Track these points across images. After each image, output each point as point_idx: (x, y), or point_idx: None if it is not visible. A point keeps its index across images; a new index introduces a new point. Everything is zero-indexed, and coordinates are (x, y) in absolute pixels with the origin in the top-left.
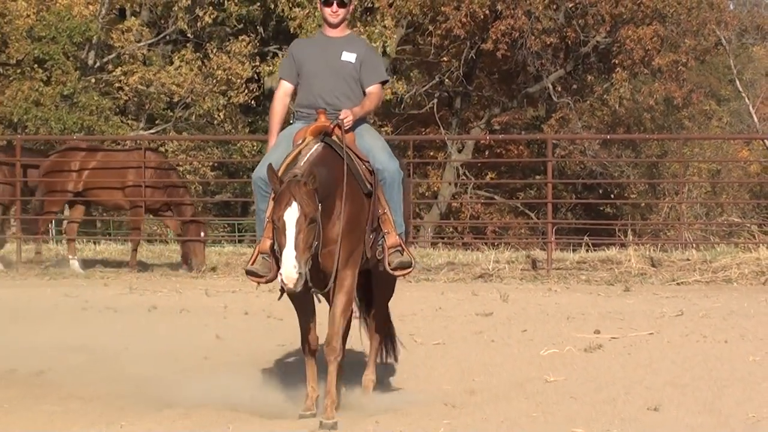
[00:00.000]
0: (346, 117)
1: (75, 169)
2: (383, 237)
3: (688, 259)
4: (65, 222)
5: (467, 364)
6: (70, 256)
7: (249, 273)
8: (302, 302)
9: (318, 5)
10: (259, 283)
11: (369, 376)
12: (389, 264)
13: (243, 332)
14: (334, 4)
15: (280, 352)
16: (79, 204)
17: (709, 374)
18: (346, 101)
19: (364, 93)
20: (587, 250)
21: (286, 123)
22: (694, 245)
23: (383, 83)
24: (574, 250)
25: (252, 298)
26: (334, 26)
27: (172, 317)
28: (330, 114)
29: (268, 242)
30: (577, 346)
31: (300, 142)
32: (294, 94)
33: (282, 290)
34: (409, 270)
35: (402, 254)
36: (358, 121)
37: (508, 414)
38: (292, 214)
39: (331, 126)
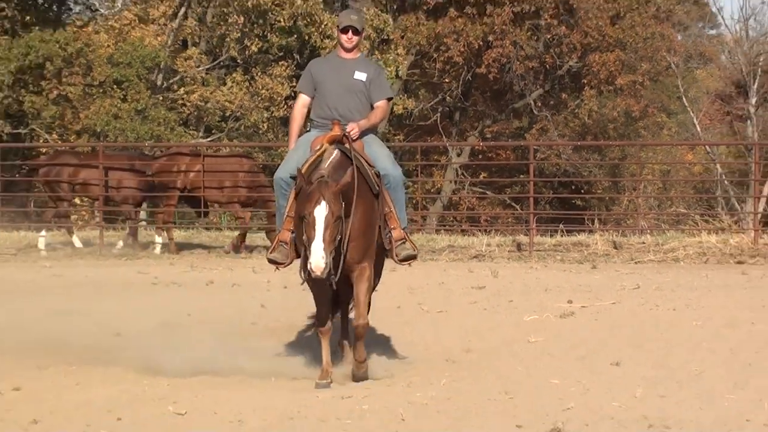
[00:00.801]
0: (353, 129)
1: (182, 171)
2: (390, 232)
3: (644, 243)
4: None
5: (464, 328)
6: (156, 238)
7: (270, 260)
8: (321, 290)
9: (336, 32)
10: (278, 267)
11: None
12: (397, 255)
13: (283, 302)
14: (350, 32)
15: (312, 319)
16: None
17: (660, 336)
18: (356, 114)
19: (372, 107)
20: (562, 236)
21: (303, 129)
22: (648, 231)
23: (389, 99)
24: (551, 236)
25: (290, 275)
26: (349, 50)
27: (226, 290)
28: (343, 125)
29: (287, 233)
30: (554, 313)
31: (318, 147)
32: (310, 106)
33: (304, 277)
34: (413, 260)
35: (407, 246)
36: (366, 132)
37: (498, 369)
38: (321, 211)
39: (343, 135)
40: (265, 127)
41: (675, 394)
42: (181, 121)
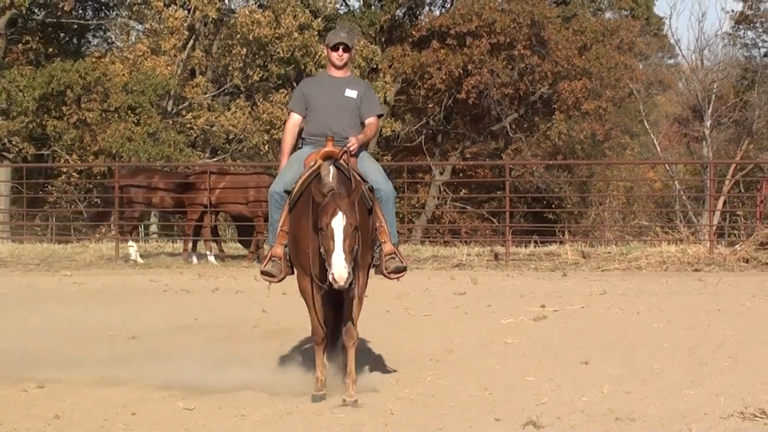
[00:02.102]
0: (352, 144)
1: (206, 188)
2: (380, 246)
3: (610, 252)
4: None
5: (447, 330)
6: (207, 253)
7: (264, 273)
8: (318, 302)
9: (326, 50)
10: (271, 282)
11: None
12: (386, 269)
13: (282, 307)
14: (340, 50)
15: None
16: (209, 213)
17: (625, 337)
18: (348, 130)
19: (363, 124)
20: (535, 246)
21: (294, 147)
22: (614, 242)
23: (379, 116)
24: (525, 246)
25: (289, 282)
26: (340, 68)
27: (230, 296)
28: (336, 141)
29: (280, 248)
30: (528, 317)
31: (312, 164)
32: (302, 124)
33: (325, 286)
34: (403, 273)
35: (396, 259)
36: (360, 149)
37: (478, 367)
38: (338, 222)
39: (339, 152)
40: (266, 148)
41: (639, 390)
42: (189, 143)
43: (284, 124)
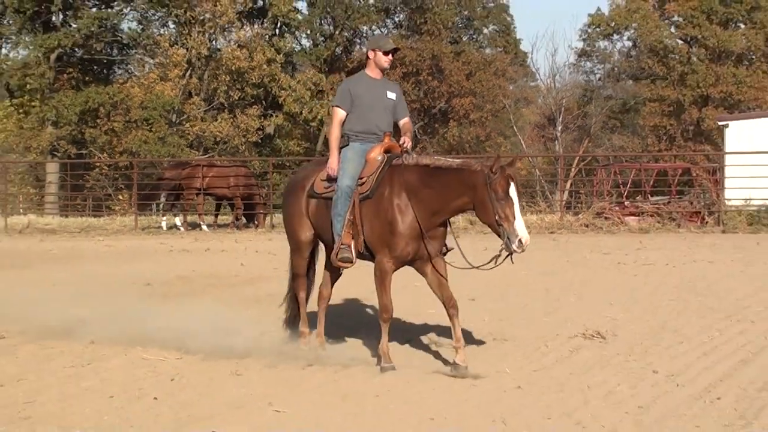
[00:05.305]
0: (409, 143)
1: (200, 176)
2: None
3: None
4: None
5: None
6: (201, 223)
7: (341, 260)
8: (390, 279)
9: (374, 54)
10: (347, 267)
11: None
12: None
13: (256, 261)
14: (391, 55)
15: (277, 272)
16: (201, 195)
17: (502, 280)
18: (388, 128)
19: (397, 124)
20: None
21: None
22: None
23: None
24: None
25: (261, 243)
26: (386, 70)
27: (218, 254)
28: (393, 139)
29: (349, 236)
30: None
31: (380, 157)
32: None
33: (506, 255)
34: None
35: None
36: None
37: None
38: (514, 192)
39: (398, 147)
40: (243, 148)
41: (510, 318)
42: (187, 145)
43: (330, 120)
